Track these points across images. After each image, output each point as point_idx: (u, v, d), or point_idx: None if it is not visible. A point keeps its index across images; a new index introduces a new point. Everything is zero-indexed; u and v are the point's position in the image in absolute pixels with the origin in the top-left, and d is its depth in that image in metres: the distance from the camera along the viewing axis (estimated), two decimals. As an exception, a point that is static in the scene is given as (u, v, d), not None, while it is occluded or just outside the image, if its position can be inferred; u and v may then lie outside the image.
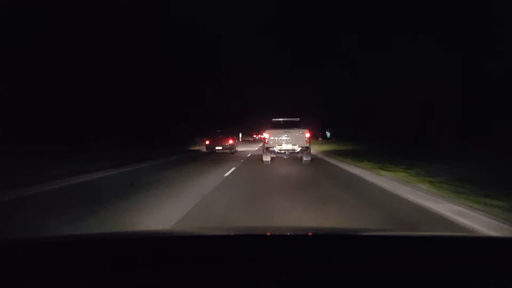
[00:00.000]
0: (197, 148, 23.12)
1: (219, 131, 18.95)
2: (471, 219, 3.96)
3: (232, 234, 1.59)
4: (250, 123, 53.65)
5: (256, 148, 22.66)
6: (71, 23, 20.67)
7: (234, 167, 10.72)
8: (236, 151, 18.91)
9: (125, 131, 27.16)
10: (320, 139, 40.32)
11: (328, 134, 45.91)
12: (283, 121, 13.12)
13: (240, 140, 23.37)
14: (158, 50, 32.15)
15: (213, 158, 15.01)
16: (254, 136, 51.95)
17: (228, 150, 17.81)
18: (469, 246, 1.18)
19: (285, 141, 11.91)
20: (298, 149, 11.88)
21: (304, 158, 11.95)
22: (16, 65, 18.44)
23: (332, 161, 13.10)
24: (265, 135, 12.18)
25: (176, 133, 34.37)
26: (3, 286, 0.88)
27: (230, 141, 17.74)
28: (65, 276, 0.94)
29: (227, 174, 8.93)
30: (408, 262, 1.01)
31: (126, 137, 25.88)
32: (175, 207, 4.79)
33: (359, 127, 33.98)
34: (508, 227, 3.58)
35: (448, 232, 3.45)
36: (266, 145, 12.05)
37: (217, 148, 17.65)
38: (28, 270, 0.98)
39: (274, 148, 11.96)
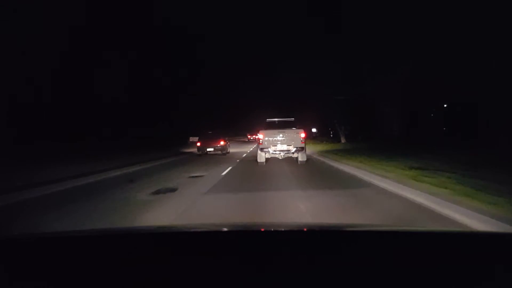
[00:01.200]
0: (190, 150, 22.48)
1: (210, 132, 18.46)
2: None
3: (225, 230, 1.56)
4: (245, 123, 53.10)
5: (251, 149, 22.05)
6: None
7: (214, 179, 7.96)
8: (228, 152, 18.49)
9: (124, 132, 26.73)
10: (343, 140, 27.04)
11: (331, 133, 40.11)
12: (277, 121, 12.80)
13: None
14: (155, 49, 31.65)
15: (202, 161, 14.38)
16: (249, 136, 51.27)
17: (219, 152, 17.52)
18: (463, 242, 1.17)
19: (279, 142, 11.53)
20: (293, 149, 11.47)
21: (300, 159, 11.62)
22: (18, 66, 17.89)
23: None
24: (260, 135, 11.78)
25: (171, 133, 34.04)
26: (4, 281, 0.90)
27: (222, 142, 17.40)
28: (68, 271, 0.95)
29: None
30: (403, 257, 0.99)
31: (125, 138, 25.46)
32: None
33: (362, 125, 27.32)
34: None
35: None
36: (261, 146, 11.67)
37: (208, 149, 17.35)
38: (27, 266, 0.99)
39: (269, 149, 11.57)
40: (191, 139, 33.75)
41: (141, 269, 0.93)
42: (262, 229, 1.50)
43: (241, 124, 57.51)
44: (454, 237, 1.27)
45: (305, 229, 1.52)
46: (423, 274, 0.89)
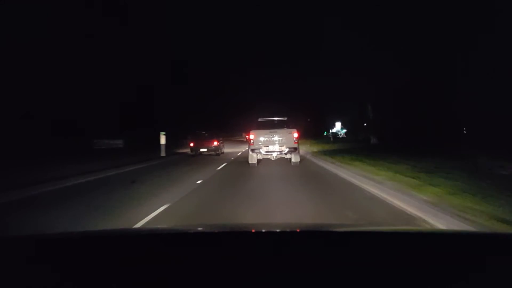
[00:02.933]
0: (184, 150, 22.04)
1: (203, 132, 18.01)
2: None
3: (216, 231, 1.57)
4: (245, 122, 52.51)
5: (246, 148, 21.59)
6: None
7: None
8: (223, 153, 18.11)
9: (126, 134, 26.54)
10: None
11: (341, 132, 36.42)
12: (269, 120, 12.28)
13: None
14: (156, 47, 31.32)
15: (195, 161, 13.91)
16: (247, 136, 50.92)
17: (213, 152, 17.19)
18: (460, 242, 1.16)
19: (271, 142, 11.08)
20: (285, 150, 11.01)
21: (293, 160, 11.21)
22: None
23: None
24: (251, 136, 11.26)
25: (169, 134, 33.72)
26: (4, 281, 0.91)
27: (215, 143, 16.98)
28: (68, 272, 0.96)
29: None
30: (396, 258, 0.99)
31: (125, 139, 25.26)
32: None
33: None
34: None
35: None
36: (252, 147, 11.20)
37: (201, 150, 17.02)
38: (27, 267, 0.99)
39: (260, 149, 11.10)
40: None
41: (139, 270, 0.94)
42: (253, 230, 1.50)
43: (240, 124, 56.98)
44: (452, 237, 1.28)
45: (297, 230, 1.51)
46: (418, 274, 0.88)
